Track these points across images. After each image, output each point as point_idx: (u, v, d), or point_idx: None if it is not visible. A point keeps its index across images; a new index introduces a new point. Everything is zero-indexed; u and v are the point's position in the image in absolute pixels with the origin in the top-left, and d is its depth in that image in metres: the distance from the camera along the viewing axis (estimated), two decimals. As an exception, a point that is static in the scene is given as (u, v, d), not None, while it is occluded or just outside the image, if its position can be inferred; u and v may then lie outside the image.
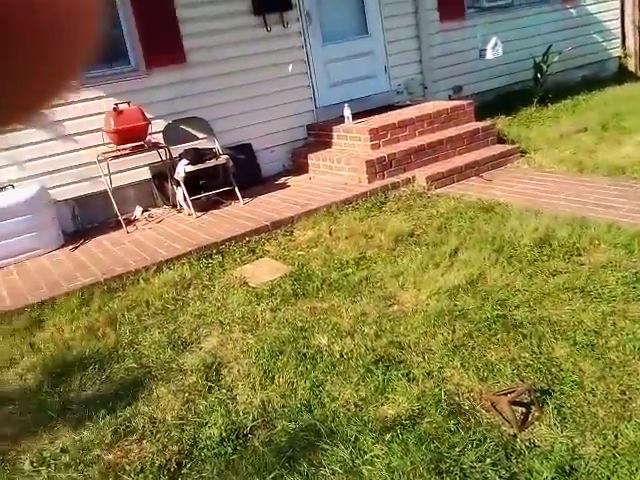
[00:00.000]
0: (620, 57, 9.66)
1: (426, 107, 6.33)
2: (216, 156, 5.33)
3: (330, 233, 4.47)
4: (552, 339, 2.68)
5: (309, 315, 3.24)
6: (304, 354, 2.86)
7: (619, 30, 9.49)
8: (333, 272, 3.75)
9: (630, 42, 9.65)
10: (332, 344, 2.91)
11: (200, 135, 5.58)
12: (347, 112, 5.99)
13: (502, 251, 3.67)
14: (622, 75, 9.42)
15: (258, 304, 3.48)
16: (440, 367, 2.59)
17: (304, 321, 3.19)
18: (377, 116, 6.17)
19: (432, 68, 7.32)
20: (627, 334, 2.63)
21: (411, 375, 2.57)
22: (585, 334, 2.68)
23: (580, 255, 3.53)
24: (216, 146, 5.48)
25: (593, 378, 2.37)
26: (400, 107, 6.57)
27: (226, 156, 5.33)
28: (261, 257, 4.27)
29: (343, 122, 6.03)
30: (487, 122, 6.28)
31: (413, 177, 5.35)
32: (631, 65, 9.72)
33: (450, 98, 7.28)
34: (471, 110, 6.27)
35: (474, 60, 7.65)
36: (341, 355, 2.81)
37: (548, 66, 7.87)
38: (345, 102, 6.17)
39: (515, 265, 3.46)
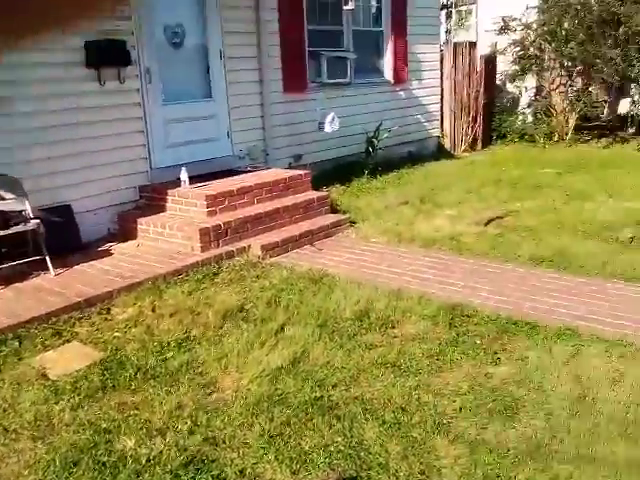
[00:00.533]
0: (439, 137, 10.82)
1: (267, 175, 6.55)
2: (25, 220, 4.81)
3: (153, 310, 4.24)
4: (363, 420, 2.84)
5: (117, 412, 2.99)
6: (104, 463, 2.59)
7: (439, 113, 10.67)
8: (151, 357, 3.55)
9: (447, 124, 10.88)
10: (139, 447, 2.69)
11: (7, 195, 4.94)
12: (184, 176, 5.99)
13: (325, 326, 3.86)
14: (440, 152, 10.55)
15: (56, 402, 3.09)
16: (254, 463, 2.56)
17: (110, 420, 2.91)
18: (217, 181, 6.23)
19: (274, 136, 7.66)
20: (429, 409, 2.90)
21: (223, 475, 2.50)
22: (393, 412, 2.89)
23: (394, 327, 3.84)
24: (26, 208, 4.89)
25: (397, 459, 2.55)
26: (241, 173, 6.73)
27: (37, 221, 4.81)
28: (68, 341, 3.81)
29: (179, 185, 5.96)
30: (322, 192, 6.67)
31: (249, 246, 5.45)
32: (447, 144, 10.93)
33: (290, 166, 7.63)
34: (308, 180, 6.62)
35: (314, 131, 8.13)
36: (148, 460, 2.60)
37: (379, 141, 8.61)
38: (183, 165, 6.14)
39: (336, 340, 3.67)
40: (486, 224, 6.01)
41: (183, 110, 6.67)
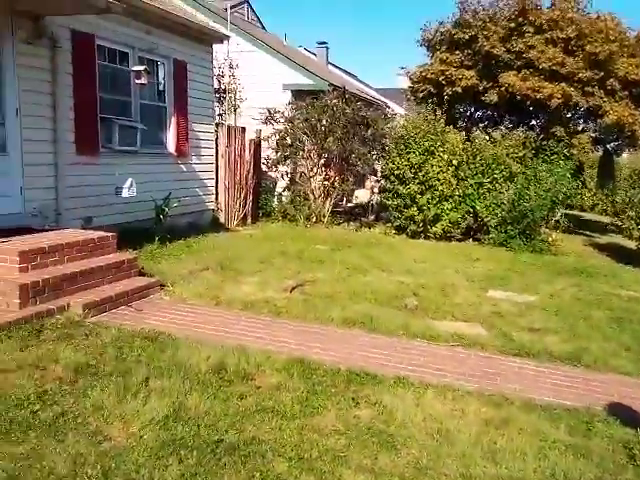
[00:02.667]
0: (213, 210, 11.38)
1: (71, 234, 6.28)
2: None
3: None
4: (271, 456, 3.07)
5: (10, 462, 2.81)
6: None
7: (214, 188, 11.27)
8: (15, 410, 3.33)
9: (222, 199, 11.51)
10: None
11: None
12: (-15, 230, 5.47)
13: (189, 378, 3.95)
14: (216, 225, 11.08)
15: None
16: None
17: (8, 470, 2.73)
18: (18, 237, 5.80)
19: (66, 196, 7.37)
20: (322, 445, 3.24)
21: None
22: (292, 449, 3.17)
23: (253, 379, 4.09)
24: None
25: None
26: (40, 231, 6.32)
27: None
28: None
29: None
30: (130, 254, 6.60)
31: (68, 305, 5.17)
32: (222, 218, 11.52)
33: (82, 227, 7.35)
34: (115, 242, 6.51)
35: (105, 195, 8.00)
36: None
37: (169, 209, 8.79)
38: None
39: (207, 391, 3.79)
40: (291, 291, 6.62)
41: (-25, 161, 6.11)
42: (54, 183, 7.24)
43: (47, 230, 6.48)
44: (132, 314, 5.53)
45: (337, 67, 28.36)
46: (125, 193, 7.89)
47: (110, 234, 6.53)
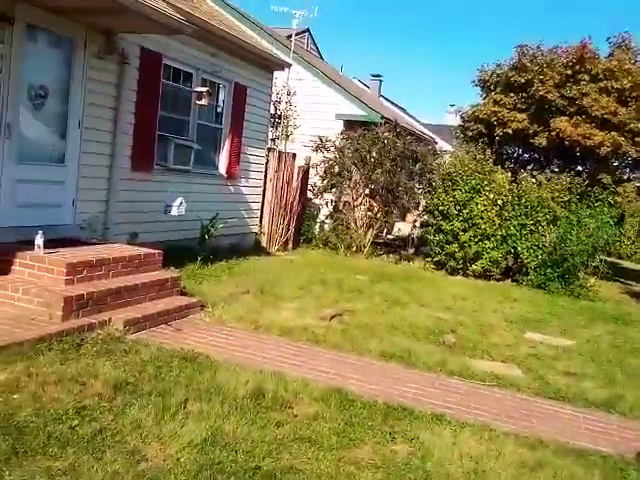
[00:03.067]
0: (256, 233, 11.49)
1: (118, 249, 6.41)
2: None
3: (29, 376, 3.91)
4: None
5: (47, 477, 2.79)
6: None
7: (259, 211, 11.40)
8: (53, 424, 3.29)
9: (265, 222, 11.62)
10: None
11: None
12: (39, 240, 5.56)
13: (227, 403, 3.94)
14: (257, 248, 11.18)
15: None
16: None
17: None
18: (67, 249, 5.91)
19: (116, 211, 7.52)
20: (360, 479, 3.21)
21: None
22: (329, 480, 3.14)
23: (291, 407, 4.07)
24: None
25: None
26: (89, 244, 6.47)
27: None
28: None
29: (26, 247, 5.54)
30: (174, 273, 6.69)
31: (109, 320, 5.23)
32: (264, 241, 11.61)
33: (127, 242, 7.49)
34: (160, 259, 6.61)
35: (154, 212, 8.16)
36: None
37: (215, 230, 8.90)
38: (31, 227, 5.76)
39: (246, 417, 3.78)
40: (330, 319, 6.60)
41: (35, 171, 6.36)
42: (106, 197, 7.40)
43: (94, 243, 6.62)
44: (172, 333, 5.57)
45: (388, 100, 28.66)
46: (174, 211, 8.03)
47: (156, 251, 6.63)
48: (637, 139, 13.99)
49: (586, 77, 14.12)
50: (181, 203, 8.01)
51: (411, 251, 13.64)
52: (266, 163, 11.39)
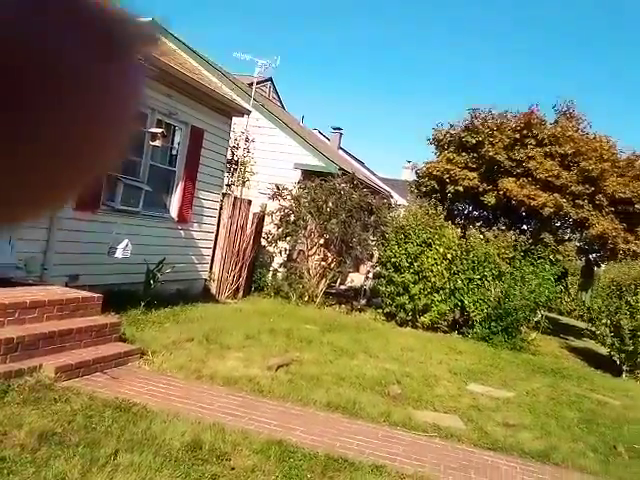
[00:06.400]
0: (206, 279, 11.23)
1: (56, 291, 6.12)
2: None
3: None
4: None
5: None
6: None
7: (210, 257, 11.18)
8: None
9: (216, 269, 11.36)
10: None
11: None
12: (-32, 278, 5.31)
13: (161, 455, 3.72)
14: (206, 295, 10.89)
15: None
16: None
17: None
18: (0, 289, 5.63)
19: (57, 251, 7.24)
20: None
21: None
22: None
23: (229, 459, 3.87)
24: None
25: None
26: (24, 285, 6.15)
27: None
28: None
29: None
30: (114, 318, 6.42)
31: (40, 366, 4.92)
32: (214, 288, 11.34)
33: (66, 284, 7.18)
34: (99, 304, 6.32)
35: (97, 253, 7.87)
36: None
37: (161, 275, 8.65)
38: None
39: (180, 469, 3.56)
40: (276, 369, 6.40)
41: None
42: (46, 236, 7.12)
43: (31, 284, 6.32)
44: (107, 381, 5.28)
45: (348, 153, 29.12)
46: (119, 254, 7.76)
47: (96, 295, 6.36)
48: (577, 201, 14.57)
49: (533, 141, 14.72)
50: (127, 245, 7.76)
51: (363, 302, 13.59)
52: (220, 208, 11.26)
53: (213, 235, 11.14)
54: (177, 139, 9.99)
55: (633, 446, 5.98)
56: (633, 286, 10.95)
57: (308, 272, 12.55)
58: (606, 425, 6.64)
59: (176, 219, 9.86)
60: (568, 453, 5.36)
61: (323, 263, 12.68)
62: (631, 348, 10.55)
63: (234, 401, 5.26)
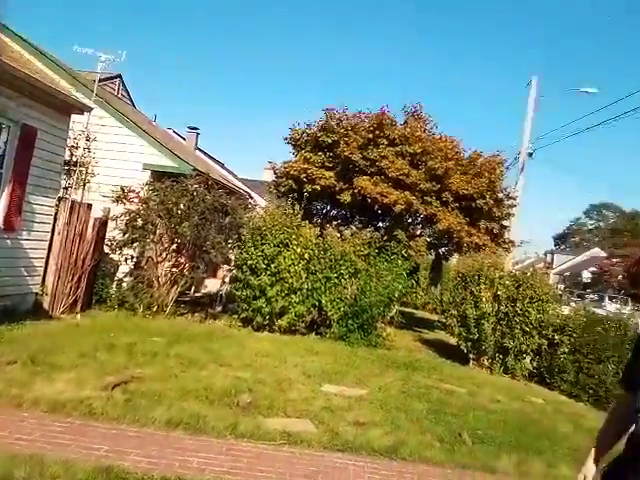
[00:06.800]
0: (37, 293, 10.08)
1: None
2: None
3: None
4: None
5: None
6: None
7: (43, 268, 10.10)
8: None
9: (50, 281, 10.20)
10: None
11: None
12: None
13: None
14: (38, 311, 9.74)
15: None
16: None
17: None
18: None
19: None
20: None
21: None
22: None
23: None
24: None
25: None
26: None
27: None
28: None
29: None
30: None
31: None
32: (46, 303, 10.17)
33: None
34: None
35: None
36: None
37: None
38: None
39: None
40: (112, 389, 5.80)
41: None
42: None
43: None
44: None
45: (205, 153, 28.33)
46: None
47: None
48: (426, 198, 15.25)
49: (385, 141, 15.16)
50: None
51: (218, 309, 13.11)
52: (55, 214, 10.23)
53: (47, 244, 10.09)
54: (4, 138, 8.91)
55: (476, 432, 6.19)
56: (476, 277, 11.55)
57: (157, 280, 11.80)
58: (453, 414, 6.84)
59: (2, 227, 8.78)
60: (415, 446, 5.41)
61: (175, 270, 11.98)
62: (476, 336, 11.13)
63: (59, 428, 4.66)
